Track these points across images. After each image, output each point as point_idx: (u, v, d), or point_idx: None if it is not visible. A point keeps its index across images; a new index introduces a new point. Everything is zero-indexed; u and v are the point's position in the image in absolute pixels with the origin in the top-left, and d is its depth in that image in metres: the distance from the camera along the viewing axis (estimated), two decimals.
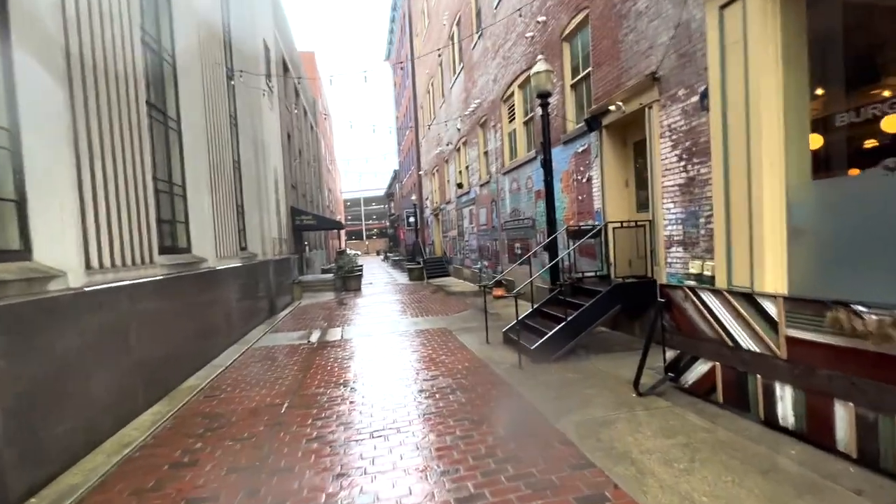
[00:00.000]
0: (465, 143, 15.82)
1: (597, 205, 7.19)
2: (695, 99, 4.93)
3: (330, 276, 17.28)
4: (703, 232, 4.95)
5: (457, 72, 16.00)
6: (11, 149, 3.31)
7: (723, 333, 3.64)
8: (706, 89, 4.71)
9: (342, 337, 7.73)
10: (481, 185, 13.68)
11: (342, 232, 53.98)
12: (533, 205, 9.73)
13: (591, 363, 5.26)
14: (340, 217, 52.46)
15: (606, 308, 5.63)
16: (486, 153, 13.41)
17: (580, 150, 7.63)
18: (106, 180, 4.04)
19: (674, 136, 5.31)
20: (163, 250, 5.43)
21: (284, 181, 16.02)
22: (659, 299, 4.29)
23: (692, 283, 5.01)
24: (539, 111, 8.60)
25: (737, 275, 4.32)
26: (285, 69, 18.71)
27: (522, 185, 10.27)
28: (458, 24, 15.55)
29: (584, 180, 7.54)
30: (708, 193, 4.80)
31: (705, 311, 3.81)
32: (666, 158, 5.45)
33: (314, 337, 7.89)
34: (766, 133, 3.98)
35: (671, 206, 5.43)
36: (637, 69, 5.89)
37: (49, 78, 3.46)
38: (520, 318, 6.61)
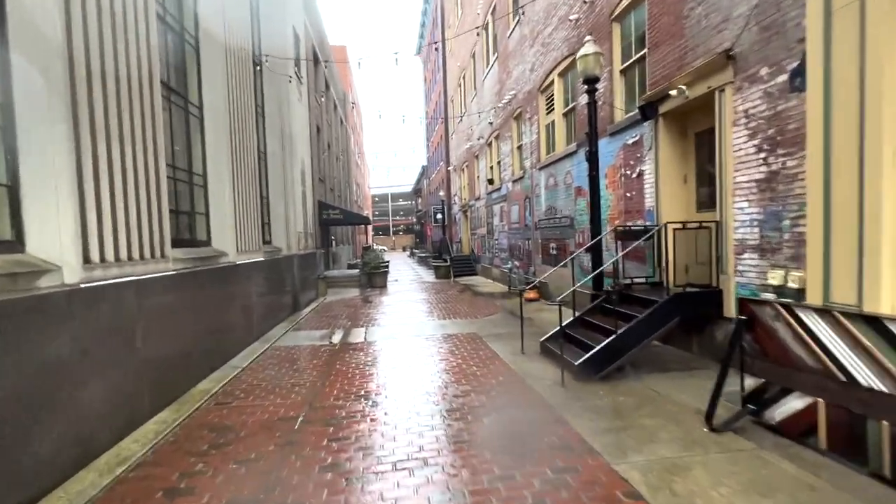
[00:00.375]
0: (497, 137, 15.15)
1: (648, 203, 6.44)
2: (782, 78, 4.16)
3: (356, 271, 17.01)
4: (787, 236, 4.18)
5: (490, 63, 15.33)
6: (2, 124, 2.95)
7: (830, 364, 2.93)
8: (799, 66, 3.93)
9: (365, 339, 7.28)
10: (514, 181, 13.01)
11: (369, 227, 54.15)
12: (572, 202, 9.01)
13: (644, 384, 4.58)
14: (368, 212, 52.64)
15: (664, 320, 4.92)
16: (519, 147, 12.71)
17: (630, 142, 6.88)
18: (111, 164, 3.67)
19: (752, 124, 4.54)
20: (177, 243, 5.08)
21: (312, 174, 15.79)
22: (738, 316, 3.58)
23: (777, 298, 4.26)
24: (584, 99, 7.90)
25: (837, 289, 3.56)
26: (315, 61, 18.50)
27: (560, 181, 9.56)
28: (492, 12, 14.86)
29: (634, 175, 6.80)
30: (798, 190, 4.03)
31: (804, 334, 3.09)
32: (740, 150, 4.69)
33: (336, 338, 7.48)
34: (888, 117, 3.20)
35: (745, 204, 4.67)
36: (706, 47, 5.12)
37: (45, 45, 3.08)
38: (560, 326, 5.99)
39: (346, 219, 17.62)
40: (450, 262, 18.99)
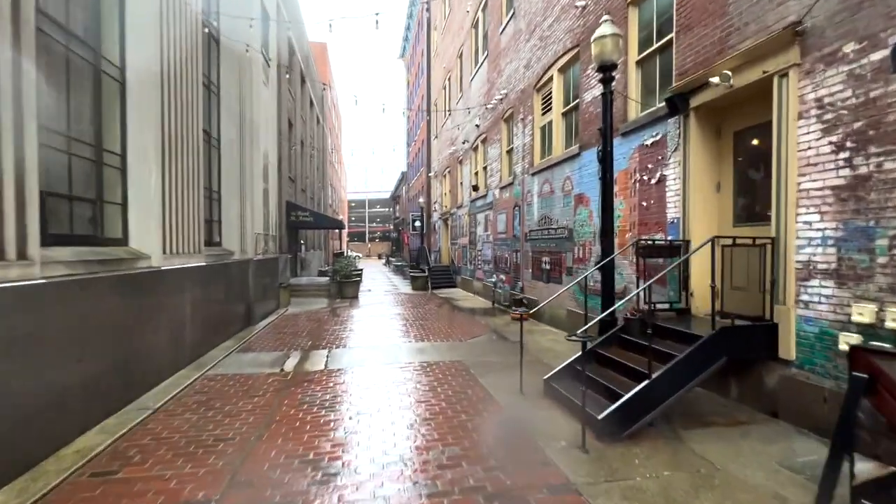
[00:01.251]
0: (483, 141, 14.15)
1: (672, 213, 5.45)
2: (878, 56, 3.21)
3: (326, 279, 15.57)
4: (884, 260, 3.20)
5: (479, 62, 14.38)
6: None
7: None
8: None
9: (326, 366, 5.97)
10: (501, 188, 11.98)
11: (344, 233, 52.42)
12: (571, 211, 8.00)
13: (688, 448, 3.48)
14: (343, 217, 50.87)
15: (708, 361, 3.86)
16: (509, 151, 11.72)
17: (648, 143, 5.91)
18: None
19: (828, 116, 3.58)
20: (62, 240, 3.71)
21: (279, 171, 14.36)
22: (855, 372, 2.52)
23: (866, 338, 3.25)
24: (589, 95, 6.93)
25: None
26: (291, 52, 17.17)
27: (557, 188, 8.55)
28: (483, 8, 13.97)
29: (653, 181, 5.81)
30: None
31: None
32: (809, 149, 3.72)
33: (290, 363, 6.13)
34: None
35: (815, 217, 3.68)
36: (760, 24, 4.18)
37: None
38: (568, 361, 4.88)
39: (317, 222, 16.21)
40: (428, 273, 17.77)
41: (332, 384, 5.18)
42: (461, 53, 17.25)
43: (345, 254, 21.24)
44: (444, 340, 7.58)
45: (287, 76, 15.68)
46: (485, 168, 14.08)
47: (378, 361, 6.18)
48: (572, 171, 7.94)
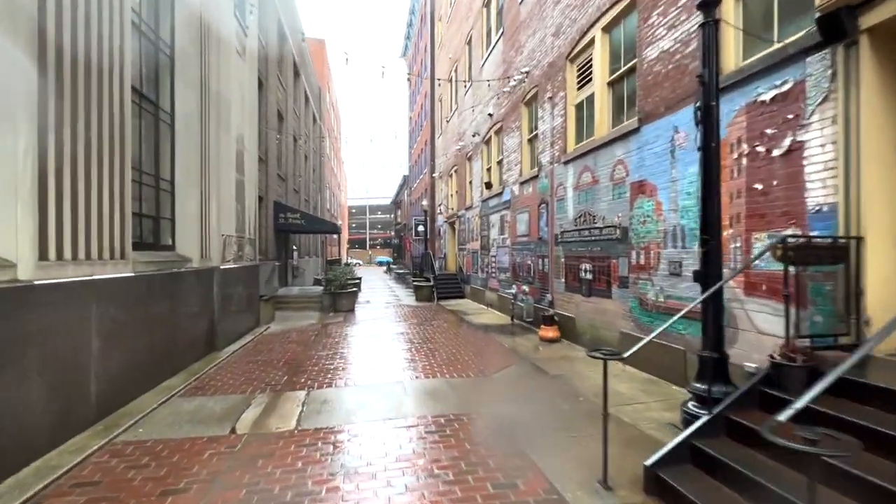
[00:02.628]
0: (498, 131, 12.39)
1: (817, 198, 3.61)
2: None
3: (319, 289, 13.74)
4: None
5: (492, 43, 12.67)
6: None
7: None
8: None
9: (298, 423, 4.11)
10: (522, 183, 10.18)
11: (343, 239, 50.37)
12: (625, 205, 6.18)
13: None
14: (343, 224, 49.18)
15: None
16: (532, 139, 9.94)
17: (766, 98, 4.09)
18: None
19: None
20: None
21: (265, 166, 12.61)
22: None
23: None
24: (653, 52, 5.07)
25: None
26: (282, 39, 15.51)
27: (603, 177, 6.74)
28: None
29: (776, 153, 3.99)
30: None
31: None
32: None
33: (249, 415, 4.29)
34: None
35: None
36: None
37: None
38: (683, 436, 3.04)
39: (310, 225, 14.42)
40: (433, 282, 15.94)
41: (300, 463, 3.33)
42: (470, 39, 15.57)
43: (342, 261, 19.49)
44: (463, 375, 5.73)
45: (276, 67, 13.99)
46: (500, 162, 12.30)
47: (373, 414, 4.32)
48: (627, 153, 6.14)
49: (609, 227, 6.58)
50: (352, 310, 12.59)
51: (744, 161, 4.28)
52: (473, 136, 14.51)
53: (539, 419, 4.16)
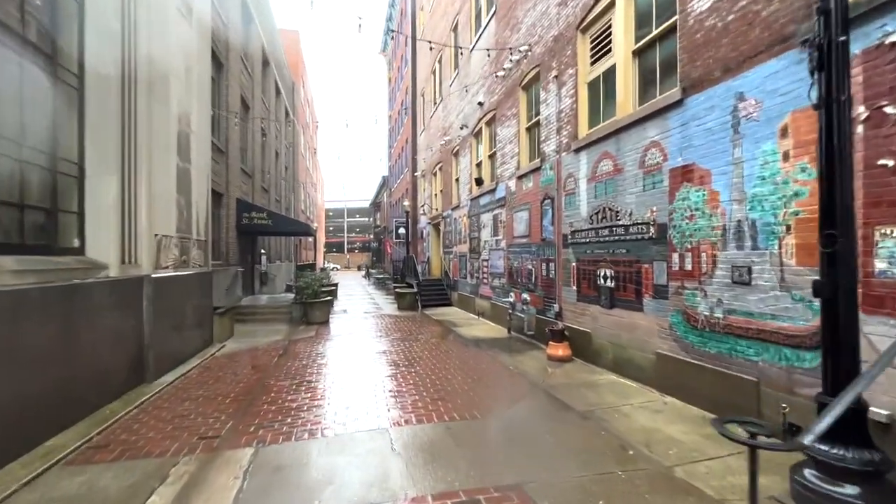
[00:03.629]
0: (490, 121, 11.19)
1: None
2: None
3: (291, 297, 12.17)
4: None
5: (483, 26, 11.48)
6: None
7: None
8: None
9: None
10: (521, 177, 8.97)
11: (320, 243, 48.06)
12: (662, 196, 5.01)
13: None
14: (317, 226, 47.12)
15: None
16: (532, 127, 8.75)
17: None
18: None
19: None
20: None
21: (222, 156, 11.03)
22: None
23: None
24: (701, 4, 3.90)
25: None
26: (247, 18, 13.97)
27: (629, 164, 5.58)
28: None
29: None
30: None
31: None
32: None
33: None
34: None
35: None
36: None
37: None
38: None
39: (279, 226, 12.86)
40: (417, 289, 14.58)
41: None
42: (455, 25, 14.37)
43: (317, 266, 17.90)
44: (467, 415, 4.40)
45: (241, 50, 12.44)
46: (492, 155, 11.09)
47: (347, 494, 2.96)
48: (664, 133, 4.98)
49: (639, 224, 5.40)
50: (326, 321, 11.11)
51: (860, 129, 3.13)
52: (461, 128, 13.27)
53: (590, 498, 2.87)
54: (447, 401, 4.83)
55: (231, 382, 5.66)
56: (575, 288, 6.91)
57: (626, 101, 5.82)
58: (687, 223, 4.66)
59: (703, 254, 4.46)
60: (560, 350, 6.73)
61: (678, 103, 4.75)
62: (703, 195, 4.45)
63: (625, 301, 5.68)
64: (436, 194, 17.82)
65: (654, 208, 5.14)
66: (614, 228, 5.88)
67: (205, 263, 7.67)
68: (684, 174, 4.70)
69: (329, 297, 11.55)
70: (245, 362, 6.79)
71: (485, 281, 11.34)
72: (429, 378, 5.76)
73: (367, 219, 74.53)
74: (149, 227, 5.54)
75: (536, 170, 8.24)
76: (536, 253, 8.27)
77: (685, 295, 4.68)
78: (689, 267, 4.64)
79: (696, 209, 4.53)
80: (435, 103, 17.61)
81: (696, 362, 4.54)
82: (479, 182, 11.66)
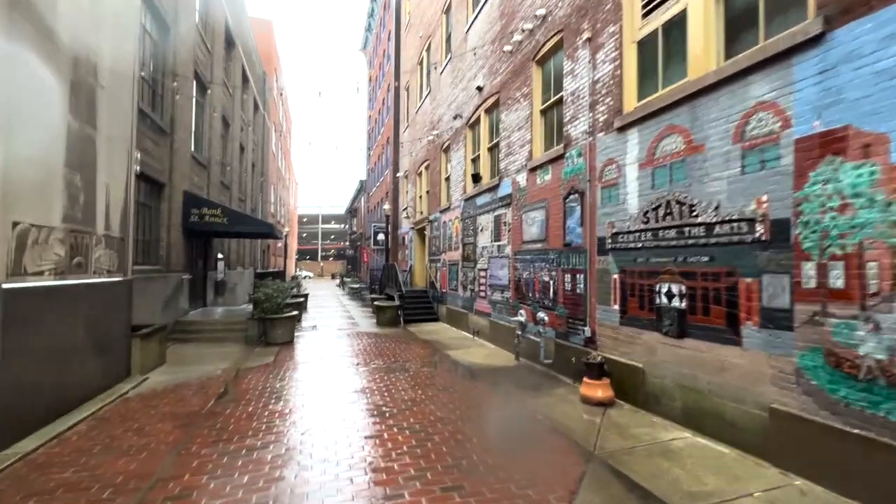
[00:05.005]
0: (491, 108, 9.59)
1: None
2: None
3: (251, 308, 10.07)
4: None
5: None
6: None
7: None
8: None
9: None
10: (534, 169, 7.37)
11: (291, 249, 45.12)
12: (782, 180, 3.44)
13: None
14: (291, 232, 44.39)
15: None
16: (546, 110, 7.17)
17: None
18: None
19: None
20: None
21: (165, 138, 9.00)
22: None
23: None
24: None
25: None
26: None
27: (713, 139, 4.01)
28: None
29: None
30: None
31: None
32: None
33: None
34: None
35: None
36: None
37: None
38: None
39: (236, 226, 10.79)
40: (399, 302, 12.72)
41: None
42: (448, 6, 12.81)
43: (288, 274, 15.78)
44: None
45: (194, 13, 10.45)
46: (493, 148, 9.47)
47: None
48: (786, 88, 3.42)
49: (734, 221, 3.81)
50: (290, 341, 9.13)
51: None
52: (454, 118, 11.62)
53: None
54: (468, 494, 3.04)
55: (127, 452, 3.70)
56: (617, 307, 5.27)
57: (706, 55, 4.27)
58: (834, 217, 3.08)
59: (868, 262, 2.88)
60: (599, 391, 5.06)
61: (815, 40, 3.21)
62: (872, 173, 2.89)
63: (706, 329, 4.06)
64: (421, 196, 16.08)
65: (765, 197, 3.56)
66: (688, 228, 4.28)
67: (119, 269, 5.65)
68: (828, 144, 3.14)
69: (295, 312, 9.56)
70: (165, 409, 4.81)
71: (482, 294, 9.63)
72: (430, 440, 3.96)
73: (342, 226, 72.02)
74: (1, 210, 3.57)
75: (557, 159, 6.64)
76: (556, 261, 6.63)
77: (831, 326, 3.08)
78: (838, 283, 3.05)
79: (856, 195, 2.96)
80: (421, 97, 15.96)
81: (850, 430, 2.93)
82: (476, 179, 10.00)
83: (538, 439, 4.08)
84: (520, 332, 7.40)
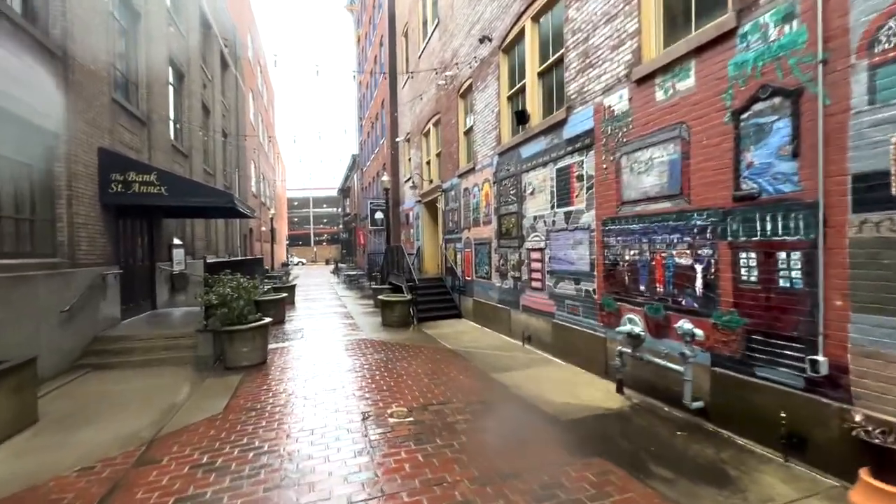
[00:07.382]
0: (545, 6, 6.50)
1: None
2: None
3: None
4: None
5: None
6: None
7: None
8: None
9: None
10: (647, 77, 4.36)
11: (281, 235, 41.07)
12: None
13: None
14: (280, 216, 40.92)
15: None
16: None
17: None
18: None
19: None
20: None
21: (58, 64, 5.84)
22: None
23: None
24: None
25: None
26: None
27: None
28: None
29: None
30: None
31: None
32: None
33: None
34: None
35: None
36: None
37: None
38: None
39: (179, 196, 7.62)
40: (411, 295, 9.81)
41: None
42: None
43: (277, 261, 12.64)
44: None
45: None
46: (547, 71, 6.42)
47: None
48: None
49: None
50: (262, 363, 6.22)
51: None
52: (480, 43, 8.47)
53: None
54: None
55: None
56: None
57: None
58: None
59: None
60: None
61: None
62: None
63: None
64: (429, 161, 13.00)
65: None
66: None
67: None
68: None
69: (268, 320, 6.61)
70: None
71: (535, 284, 6.73)
72: None
73: (335, 209, 68.57)
74: None
75: (714, 43, 3.65)
76: (714, 230, 3.70)
77: None
78: None
79: None
80: (426, 35, 12.69)
81: None
82: (521, 118, 6.94)
83: None
84: (628, 350, 4.52)
